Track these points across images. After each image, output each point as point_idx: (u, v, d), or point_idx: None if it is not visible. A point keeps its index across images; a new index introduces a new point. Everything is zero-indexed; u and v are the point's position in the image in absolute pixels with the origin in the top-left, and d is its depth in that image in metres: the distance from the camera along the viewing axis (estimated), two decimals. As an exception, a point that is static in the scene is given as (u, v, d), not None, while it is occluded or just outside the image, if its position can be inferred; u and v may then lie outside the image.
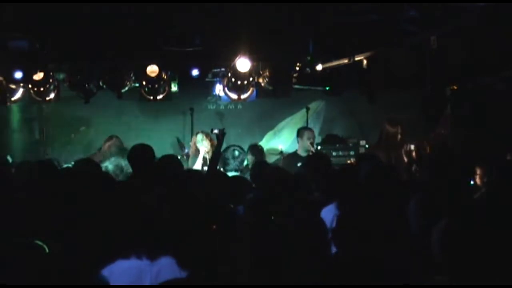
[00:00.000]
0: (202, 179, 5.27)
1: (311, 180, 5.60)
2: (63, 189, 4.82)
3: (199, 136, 8.52)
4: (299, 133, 8.37)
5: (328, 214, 4.29)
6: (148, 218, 3.39)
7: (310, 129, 8.59)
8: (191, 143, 8.81)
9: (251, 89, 9.53)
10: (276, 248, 2.86)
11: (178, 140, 9.15)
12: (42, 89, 9.21)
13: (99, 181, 5.08)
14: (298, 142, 8.35)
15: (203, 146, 8.42)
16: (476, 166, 5.84)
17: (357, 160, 7.15)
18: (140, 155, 5.89)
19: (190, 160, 8.56)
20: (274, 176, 5.32)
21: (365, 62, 8.98)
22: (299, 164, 7.35)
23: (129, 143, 8.40)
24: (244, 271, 2.84)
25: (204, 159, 8.39)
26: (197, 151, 8.54)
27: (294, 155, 8.25)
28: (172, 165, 5.72)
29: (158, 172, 5.55)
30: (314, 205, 4.73)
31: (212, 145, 8.24)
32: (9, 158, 8.07)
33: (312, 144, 8.14)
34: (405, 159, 7.89)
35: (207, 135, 8.46)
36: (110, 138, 8.64)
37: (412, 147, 8.16)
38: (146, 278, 3.20)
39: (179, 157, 6.93)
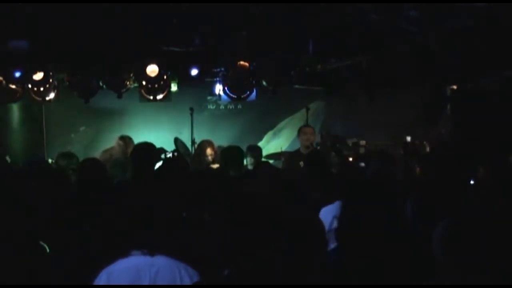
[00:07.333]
0: (204, 178, 5.28)
1: (311, 179, 5.61)
2: (64, 190, 4.82)
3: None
4: (298, 131, 8.39)
5: (328, 214, 4.29)
6: (147, 218, 3.39)
7: (309, 127, 8.58)
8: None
9: (251, 89, 9.53)
10: (274, 247, 2.86)
11: (176, 140, 9.13)
12: (42, 89, 9.21)
13: (99, 182, 5.09)
14: (299, 140, 8.37)
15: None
16: (477, 166, 5.84)
17: (360, 159, 7.17)
18: (143, 153, 5.93)
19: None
20: (274, 176, 5.33)
21: (365, 62, 8.99)
22: (300, 163, 7.37)
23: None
24: (242, 270, 2.83)
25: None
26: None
27: (295, 154, 8.25)
28: (179, 164, 5.76)
29: (163, 171, 5.58)
30: (313, 204, 4.73)
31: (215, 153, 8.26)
32: (7, 158, 8.06)
33: (312, 142, 8.13)
34: (401, 152, 7.92)
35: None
36: (122, 138, 8.70)
37: (409, 139, 8.20)
38: (145, 278, 3.21)
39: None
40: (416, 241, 3.43)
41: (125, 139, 8.68)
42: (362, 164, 6.74)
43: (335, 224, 3.40)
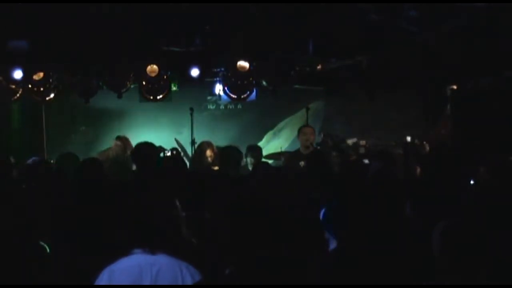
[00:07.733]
0: (204, 178, 5.28)
1: (311, 179, 5.61)
2: (64, 190, 4.83)
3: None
4: (298, 131, 8.39)
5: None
6: (148, 217, 3.39)
7: (309, 127, 8.57)
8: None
9: (251, 89, 9.53)
10: (274, 246, 2.87)
11: (177, 141, 9.13)
12: (42, 89, 9.22)
13: (99, 181, 5.09)
14: (299, 140, 8.36)
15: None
16: (478, 166, 5.84)
17: (362, 158, 7.18)
18: (144, 153, 5.95)
19: None
20: (274, 176, 5.33)
21: (365, 62, 8.99)
22: (301, 163, 7.36)
23: (129, 143, 8.42)
24: (243, 269, 2.84)
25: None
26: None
27: (295, 154, 8.24)
28: (177, 164, 5.77)
29: (162, 171, 5.59)
30: (312, 204, 4.73)
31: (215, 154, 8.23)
32: (11, 159, 8.06)
33: (312, 142, 8.11)
34: (401, 151, 7.91)
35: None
36: (119, 138, 8.67)
37: (409, 139, 8.20)
38: (146, 277, 3.20)
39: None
40: (416, 241, 3.44)
41: (122, 139, 8.66)
42: (366, 161, 6.75)
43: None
